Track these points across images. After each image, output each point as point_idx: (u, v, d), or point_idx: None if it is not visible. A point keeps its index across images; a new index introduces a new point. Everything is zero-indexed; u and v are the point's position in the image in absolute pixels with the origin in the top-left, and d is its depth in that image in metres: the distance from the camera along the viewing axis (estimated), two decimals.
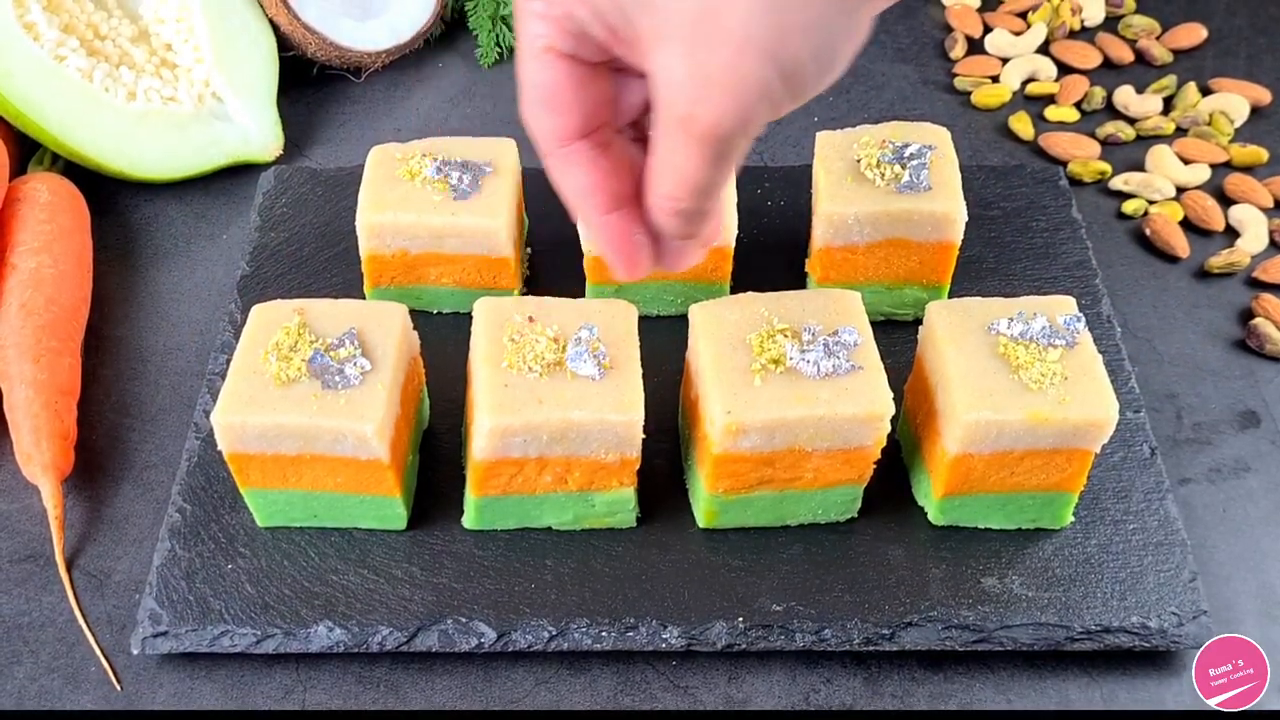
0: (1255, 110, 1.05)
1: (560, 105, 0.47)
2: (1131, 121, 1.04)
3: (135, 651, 0.69)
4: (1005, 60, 1.11)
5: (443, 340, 0.83)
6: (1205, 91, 1.07)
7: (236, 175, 0.99)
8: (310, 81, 1.08)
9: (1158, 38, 1.12)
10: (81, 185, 0.94)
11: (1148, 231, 0.94)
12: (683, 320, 0.76)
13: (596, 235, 0.51)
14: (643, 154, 0.50)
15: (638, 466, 0.71)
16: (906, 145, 0.82)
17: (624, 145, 0.50)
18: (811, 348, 0.69)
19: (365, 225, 0.81)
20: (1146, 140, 1.03)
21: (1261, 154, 1.00)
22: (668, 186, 0.48)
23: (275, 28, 1.03)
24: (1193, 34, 1.12)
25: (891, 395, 0.68)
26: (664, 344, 0.81)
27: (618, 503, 0.73)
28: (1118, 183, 0.98)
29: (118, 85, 0.95)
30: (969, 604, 0.70)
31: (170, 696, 0.69)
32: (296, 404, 0.67)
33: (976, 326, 0.71)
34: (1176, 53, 1.11)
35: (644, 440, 0.70)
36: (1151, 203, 0.97)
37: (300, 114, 1.06)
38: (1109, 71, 1.10)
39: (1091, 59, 1.10)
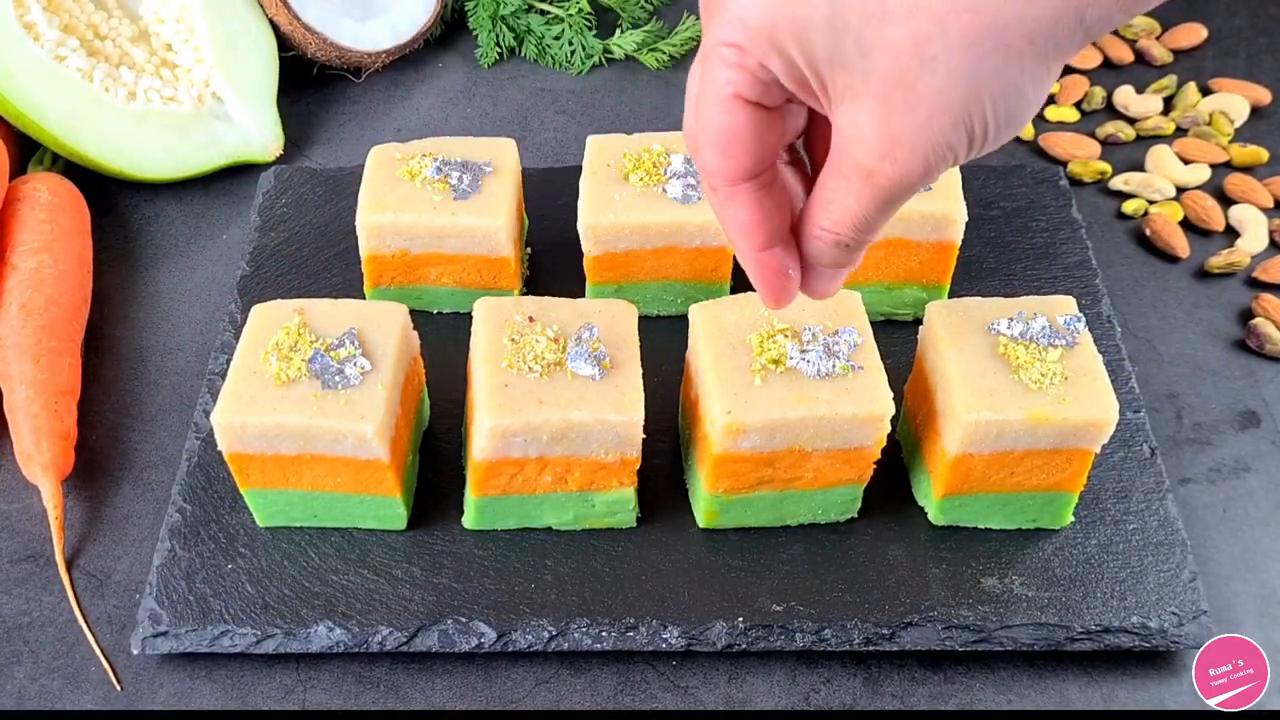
0: (1255, 110, 1.05)
1: (737, 150, 0.47)
2: (1131, 121, 1.04)
3: (135, 651, 0.69)
4: None
5: (443, 340, 0.83)
6: (1205, 91, 1.07)
7: (236, 175, 0.99)
8: (310, 81, 1.08)
9: (1158, 38, 1.12)
10: (81, 185, 0.94)
11: (1148, 231, 0.94)
12: (683, 320, 0.76)
13: (751, 269, 0.51)
14: (795, 178, 0.51)
15: (638, 466, 0.71)
16: None
17: (783, 178, 0.51)
18: (811, 348, 0.69)
19: (365, 225, 0.81)
20: (1146, 140, 1.03)
21: (1261, 154, 1.00)
22: (831, 221, 0.49)
23: (275, 28, 1.03)
24: (1193, 34, 1.12)
25: (891, 395, 0.68)
26: (664, 344, 0.81)
27: (618, 503, 0.73)
28: (1118, 183, 0.98)
29: (118, 85, 0.95)
30: (969, 604, 0.70)
31: (170, 696, 0.69)
32: (296, 404, 0.67)
33: (976, 326, 0.71)
34: (1176, 53, 1.11)
35: (644, 440, 0.70)
36: (1151, 203, 0.97)
37: (300, 114, 1.06)
38: (1109, 71, 1.10)
39: (1091, 59, 1.10)
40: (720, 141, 0.47)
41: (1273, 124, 1.05)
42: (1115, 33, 1.13)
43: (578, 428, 0.68)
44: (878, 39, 0.43)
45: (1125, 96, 1.05)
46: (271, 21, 1.03)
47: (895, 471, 0.77)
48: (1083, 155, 1.01)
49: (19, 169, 0.95)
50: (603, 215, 0.80)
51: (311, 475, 0.70)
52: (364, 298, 0.86)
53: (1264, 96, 1.05)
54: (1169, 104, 1.06)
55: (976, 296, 0.74)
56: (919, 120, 0.44)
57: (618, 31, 1.12)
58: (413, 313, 0.79)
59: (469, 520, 0.74)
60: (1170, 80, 1.07)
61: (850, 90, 0.44)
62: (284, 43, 1.04)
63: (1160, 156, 1.00)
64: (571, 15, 1.10)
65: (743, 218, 0.49)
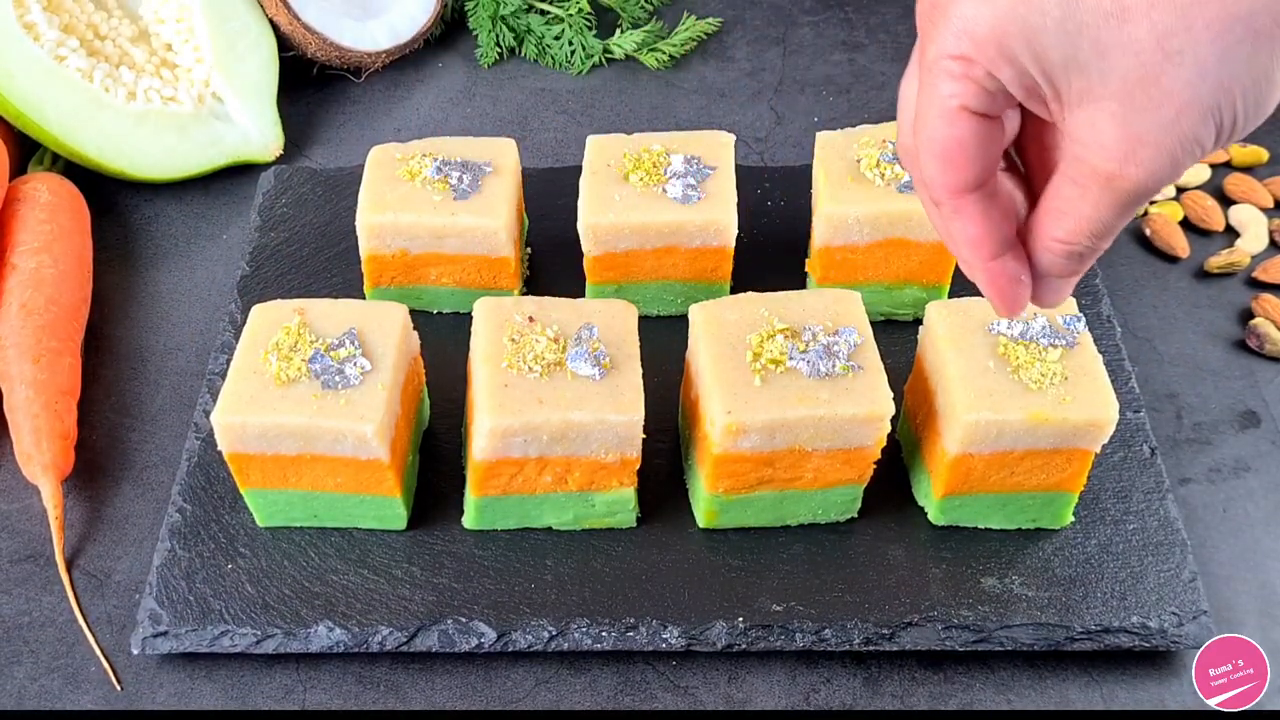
0: None
1: (963, 162, 0.47)
2: None
3: (135, 651, 0.69)
4: None
5: (443, 340, 0.83)
6: None
7: (236, 175, 0.99)
8: (310, 81, 1.08)
9: None
10: (81, 185, 0.94)
11: (1148, 231, 0.94)
12: (683, 320, 0.76)
13: (982, 280, 0.51)
14: (1013, 183, 0.51)
15: (638, 466, 0.71)
16: None
17: (1005, 187, 0.51)
18: (811, 348, 0.69)
19: (365, 225, 0.81)
20: None
21: (1261, 154, 1.00)
22: (1066, 231, 0.48)
23: (275, 28, 1.03)
24: None
25: (891, 395, 0.68)
26: (664, 344, 0.81)
27: (618, 503, 0.73)
28: None
29: (118, 85, 0.95)
30: (969, 604, 0.70)
31: (170, 696, 0.69)
32: (296, 404, 0.67)
33: (976, 326, 0.71)
34: None
35: (644, 440, 0.70)
36: (1151, 203, 0.97)
37: (300, 114, 1.06)
38: None
39: None
40: (945, 154, 0.46)
41: (1273, 124, 1.04)
42: None
43: (578, 428, 0.68)
44: (1116, 38, 0.42)
45: None
46: (271, 21, 1.03)
47: (895, 471, 0.77)
48: None
49: (19, 169, 0.95)
50: (603, 215, 0.80)
51: (311, 475, 0.70)
52: (364, 298, 0.86)
53: None
54: None
55: (976, 296, 0.74)
56: (1165, 118, 0.43)
57: (618, 31, 1.12)
58: (413, 313, 0.79)
59: (469, 520, 0.74)
60: None
61: (1088, 94, 0.43)
62: (284, 43, 1.04)
63: None
64: (571, 15, 1.10)
65: (971, 230, 0.49)
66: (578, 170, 0.85)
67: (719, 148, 0.84)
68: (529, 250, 0.91)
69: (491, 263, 0.83)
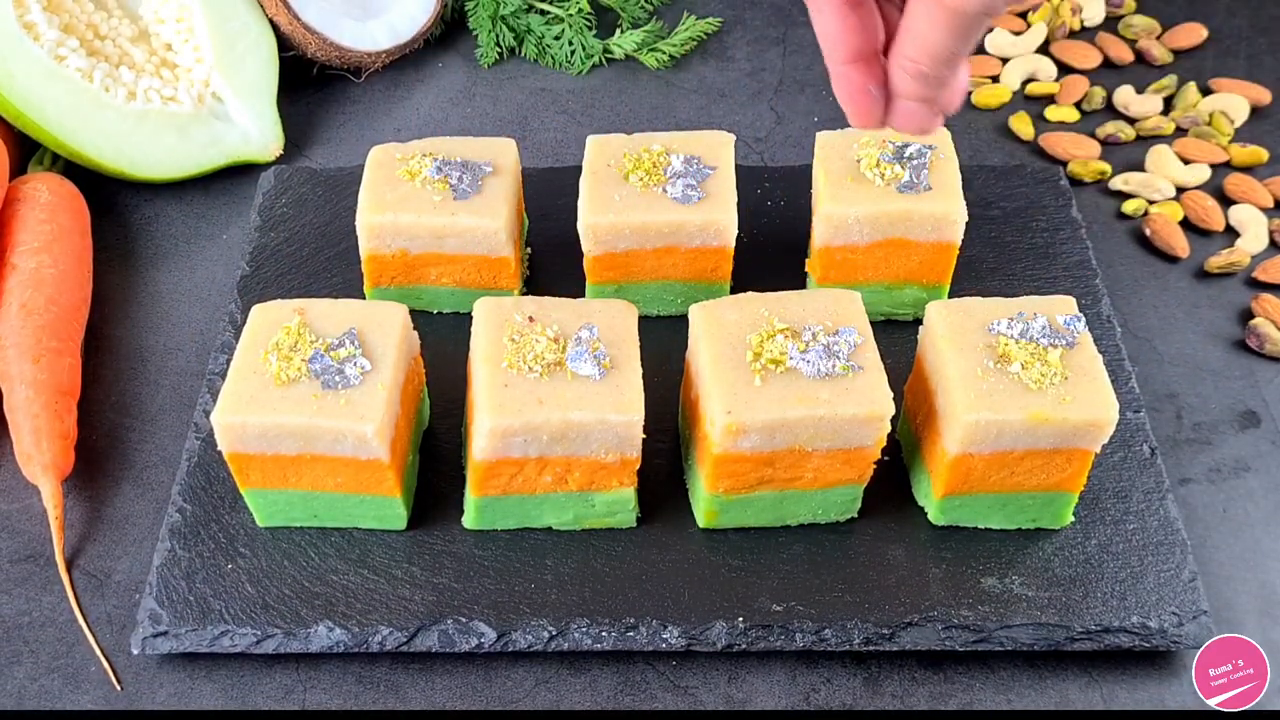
0: (1255, 110, 1.05)
1: None
2: (1131, 121, 1.04)
3: (135, 651, 0.69)
4: (1005, 60, 1.11)
5: (443, 340, 0.83)
6: (1205, 91, 1.07)
7: (236, 175, 0.99)
8: (310, 81, 1.08)
9: (1158, 38, 1.12)
10: (81, 185, 0.94)
11: (1148, 231, 0.94)
12: (683, 320, 0.76)
13: (835, 84, 0.56)
14: (895, 16, 0.56)
15: (638, 466, 0.71)
16: (906, 145, 0.82)
17: (875, 8, 0.56)
18: (811, 348, 0.69)
19: (365, 225, 0.81)
20: (1146, 140, 1.03)
21: (1261, 154, 1.00)
22: (912, 51, 0.53)
23: (275, 28, 1.03)
24: (1193, 34, 1.12)
25: (891, 395, 0.68)
26: (664, 344, 0.81)
27: (618, 503, 0.73)
28: (1118, 183, 0.98)
29: (118, 85, 0.95)
30: (969, 604, 0.70)
31: (170, 696, 0.69)
32: (296, 404, 0.67)
33: (976, 326, 0.71)
34: (1176, 53, 1.11)
35: (644, 440, 0.70)
36: (1151, 203, 0.97)
37: (300, 114, 1.06)
38: (1109, 71, 1.10)
39: (1091, 59, 1.10)
40: None
41: (1273, 124, 1.05)
42: (1115, 33, 1.13)
43: (578, 428, 0.68)
44: None
45: (1125, 96, 1.05)
46: (271, 21, 1.03)
47: (895, 471, 0.77)
48: (1083, 155, 1.01)
49: (19, 169, 0.95)
50: (603, 215, 0.80)
51: (311, 475, 0.70)
52: (364, 298, 0.86)
53: (1264, 96, 1.05)
54: (1169, 104, 1.06)
55: (976, 296, 0.74)
56: None
57: (618, 31, 1.12)
58: (413, 313, 0.79)
59: (469, 520, 0.74)
60: (1170, 80, 1.07)
61: None
62: (284, 43, 1.04)
63: (1160, 156, 1.00)
64: (571, 15, 1.10)
65: (828, 26, 0.54)
66: (578, 170, 0.85)
67: (719, 148, 0.84)
68: (529, 250, 0.91)
69: (491, 263, 0.83)
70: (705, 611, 0.70)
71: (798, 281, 0.87)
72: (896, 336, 0.83)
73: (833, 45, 0.55)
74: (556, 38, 1.11)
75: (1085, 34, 1.14)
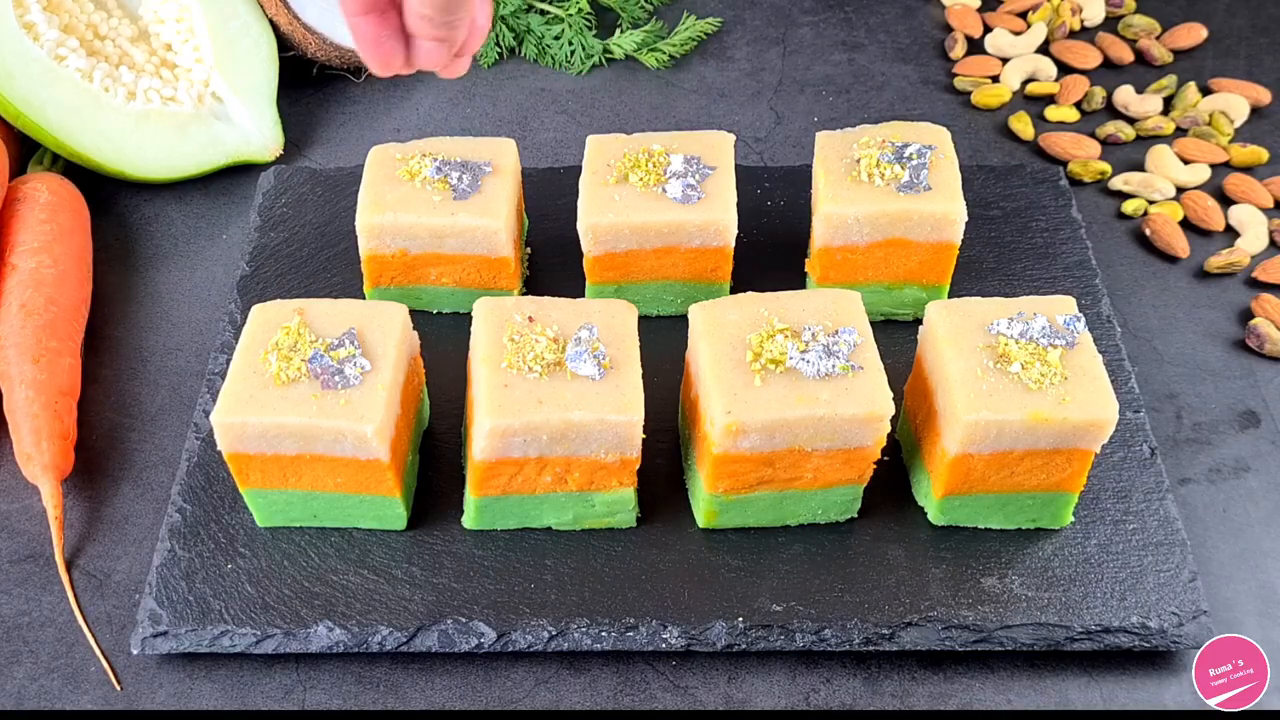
0: (1255, 110, 1.05)
1: None
2: (1131, 121, 1.04)
3: (135, 651, 0.69)
4: (1005, 60, 1.11)
5: (443, 340, 0.83)
6: (1205, 91, 1.07)
7: (236, 175, 0.99)
8: (310, 81, 1.08)
9: (1158, 38, 1.12)
10: (81, 185, 0.94)
11: (1148, 231, 0.94)
12: (683, 320, 0.76)
13: (353, 33, 0.61)
14: None
15: (638, 466, 0.71)
16: (906, 145, 0.82)
17: None
18: (811, 348, 0.69)
19: (365, 225, 0.81)
20: (1146, 140, 1.03)
21: (1261, 154, 1.00)
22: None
23: (275, 28, 1.03)
24: (1193, 34, 1.12)
25: (891, 395, 0.68)
26: (664, 344, 0.81)
27: (618, 503, 0.73)
28: (1118, 183, 0.98)
29: (118, 85, 0.95)
30: (969, 604, 0.70)
31: (170, 696, 0.69)
32: (296, 404, 0.67)
33: (976, 326, 0.71)
34: (1176, 53, 1.11)
35: (644, 440, 0.70)
36: (1151, 203, 0.97)
37: (300, 114, 1.06)
38: (1109, 71, 1.10)
39: (1091, 59, 1.10)
40: None
41: (1273, 124, 1.05)
42: (1115, 32, 1.13)
43: (578, 428, 0.68)
44: None
45: (1125, 96, 1.05)
46: (271, 21, 1.03)
47: (895, 471, 0.77)
48: (1083, 155, 1.01)
49: (19, 169, 0.95)
50: (603, 215, 0.80)
51: (311, 475, 0.70)
52: (364, 298, 0.86)
53: (1264, 96, 1.05)
54: (1169, 104, 1.06)
55: (976, 296, 0.74)
56: None
57: (618, 31, 1.12)
58: (413, 313, 0.79)
59: (469, 520, 0.74)
60: (1170, 80, 1.07)
61: None
62: (284, 43, 1.04)
63: (1160, 156, 1.00)
64: (571, 15, 1.10)
65: None
66: (578, 170, 0.85)
67: (719, 148, 0.84)
68: (529, 250, 0.91)
69: (491, 263, 0.83)
70: (705, 611, 0.70)
71: (798, 281, 0.87)
72: (896, 336, 0.83)
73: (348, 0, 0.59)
74: (556, 38, 1.11)
75: (1085, 34, 1.14)
